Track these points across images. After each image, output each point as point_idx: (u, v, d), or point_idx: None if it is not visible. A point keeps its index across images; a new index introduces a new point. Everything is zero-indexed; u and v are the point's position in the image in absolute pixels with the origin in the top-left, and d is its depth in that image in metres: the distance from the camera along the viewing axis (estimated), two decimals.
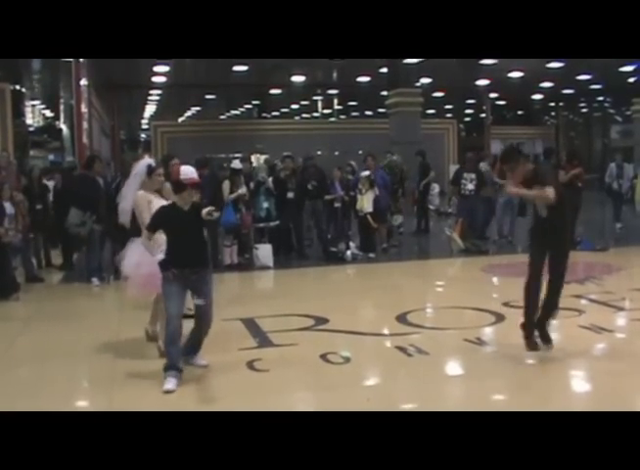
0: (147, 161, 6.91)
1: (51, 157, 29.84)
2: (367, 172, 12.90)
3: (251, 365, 6.20)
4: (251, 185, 12.12)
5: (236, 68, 23.44)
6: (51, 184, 12.31)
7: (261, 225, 12.18)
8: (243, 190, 11.37)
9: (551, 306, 6.47)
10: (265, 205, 12.10)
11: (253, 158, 14.67)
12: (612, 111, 41.80)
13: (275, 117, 39.38)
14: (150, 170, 6.67)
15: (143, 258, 6.23)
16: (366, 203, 12.64)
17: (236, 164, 11.92)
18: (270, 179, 12.54)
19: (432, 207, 20.26)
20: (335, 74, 28.28)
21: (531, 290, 6.42)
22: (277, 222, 12.24)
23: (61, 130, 31.83)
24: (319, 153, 26.80)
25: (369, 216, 12.63)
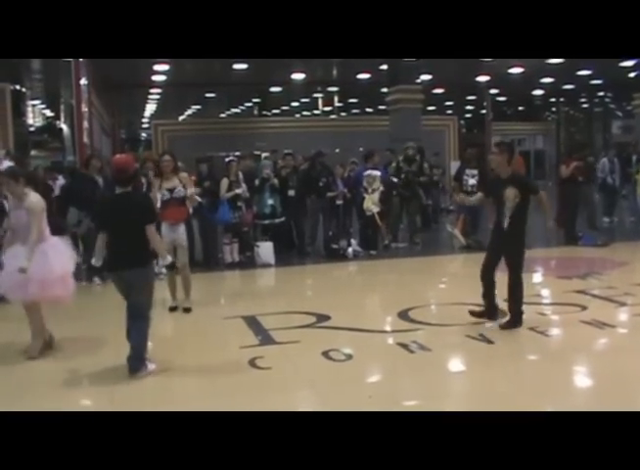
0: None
1: (58, 158, 29.75)
2: (377, 172, 12.86)
3: (253, 363, 6.19)
4: (256, 182, 12.11)
5: (236, 66, 23.45)
6: (57, 184, 12.30)
7: (266, 222, 12.16)
8: (240, 190, 11.29)
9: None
10: (270, 201, 12.08)
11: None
12: (612, 106, 41.76)
13: (275, 114, 39.37)
14: None
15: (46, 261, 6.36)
16: (372, 202, 12.61)
17: (231, 158, 11.93)
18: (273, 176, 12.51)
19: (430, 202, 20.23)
20: (335, 72, 28.28)
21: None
22: (282, 219, 12.23)
23: (61, 130, 31.83)
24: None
25: (376, 215, 12.63)
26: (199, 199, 9.73)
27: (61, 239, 6.88)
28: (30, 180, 6.78)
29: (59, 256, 6.65)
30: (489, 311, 7.38)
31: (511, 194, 7.04)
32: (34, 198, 6.48)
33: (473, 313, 7.49)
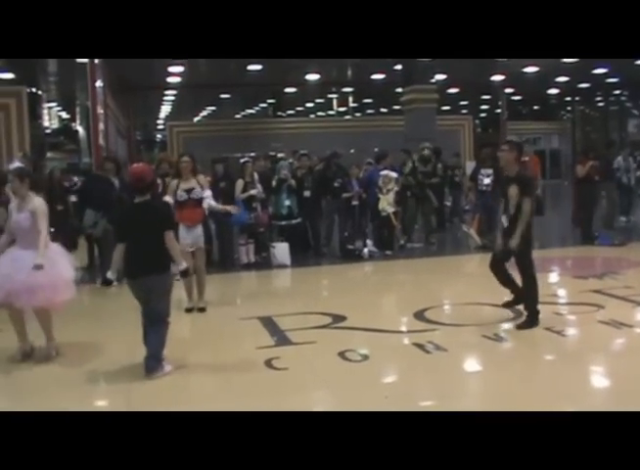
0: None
1: (74, 160, 29.94)
2: (394, 174, 12.84)
3: (269, 363, 6.20)
4: (274, 182, 12.13)
5: (250, 67, 23.52)
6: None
7: (283, 223, 12.18)
8: (255, 191, 11.31)
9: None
10: (287, 202, 12.10)
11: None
12: (628, 104, 41.54)
13: (290, 115, 39.44)
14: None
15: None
16: (387, 203, 12.59)
17: (246, 159, 11.96)
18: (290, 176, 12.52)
19: (447, 203, 20.24)
20: (349, 72, 28.32)
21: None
22: (299, 220, 12.24)
23: (77, 132, 32.04)
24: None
25: (392, 216, 12.61)
26: (234, 210, 9.78)
27: (58, 246, 6.88)
28: (35, 185, 6.84)
29: (63, 261, 6.70)
30: (519, 295, 7.40)
31: (513, 192, 7.09)
32: (38, 201, 6.56)
33: (505, 305, 7.55)
